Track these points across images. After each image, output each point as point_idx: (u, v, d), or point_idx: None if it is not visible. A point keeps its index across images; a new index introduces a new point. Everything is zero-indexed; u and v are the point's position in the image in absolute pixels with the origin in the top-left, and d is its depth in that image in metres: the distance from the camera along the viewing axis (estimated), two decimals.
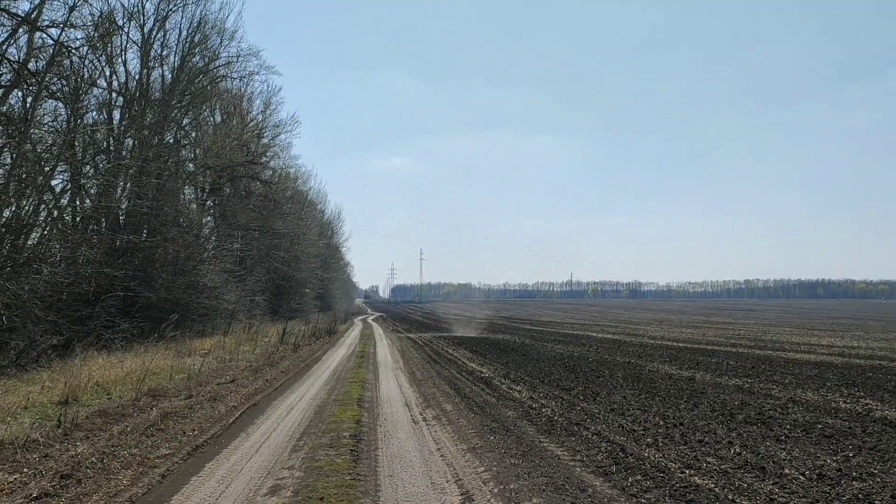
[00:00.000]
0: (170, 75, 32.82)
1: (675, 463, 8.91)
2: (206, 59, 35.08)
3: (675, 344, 31.54)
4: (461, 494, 7.89)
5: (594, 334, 40.71)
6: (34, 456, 9.59)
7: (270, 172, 50.93)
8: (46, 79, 22.57)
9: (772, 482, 7.96)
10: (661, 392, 15.48)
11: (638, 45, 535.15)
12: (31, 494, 7.80)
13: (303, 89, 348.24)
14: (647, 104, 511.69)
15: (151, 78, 31.87)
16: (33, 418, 12.07)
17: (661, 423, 11.79)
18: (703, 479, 8.10)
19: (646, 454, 9.42)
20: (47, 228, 23.80)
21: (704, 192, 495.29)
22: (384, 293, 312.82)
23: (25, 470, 8.87)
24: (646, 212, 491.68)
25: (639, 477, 8.31)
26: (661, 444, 10.04)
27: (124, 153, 29.04)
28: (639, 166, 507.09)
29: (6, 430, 10.85)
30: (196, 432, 11.64)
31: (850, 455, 9.26)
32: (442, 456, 9.87)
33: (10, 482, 8.32)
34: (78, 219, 26.56)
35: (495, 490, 7.99)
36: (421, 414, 13.64)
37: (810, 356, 24.64)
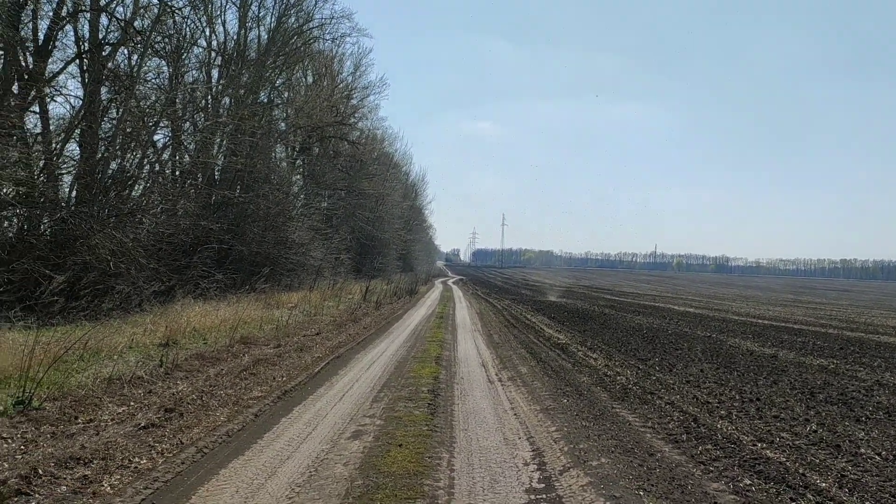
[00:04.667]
0: (266, 36, 33.84)
1: (748, 436, 8.94)
2: (301, 21, 35.95)
3: (759, 321, 30.73)
4: (532, 450, 8.20)
5: (675, 307, 40.05)
6: (139, 391, 10.47)
7: (358, 133, 51.93)
8: (151, 37, 23.72)
9: (845, 460, 7.92)
10: (740, 367, 15.30)
11: (734, 10, 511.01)
12: (139, 424, 8.57)
13: (392, 50, 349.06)
14: (739, 74, 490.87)
15: (248, 38, 32.98)
16: (137, 358, 13.06)
17: (737, 397, 11.74)
18: (775, 453, 8.12)
19: (718, 426, 9.47)
20: (149, 181, 25.19)
21: (799, 166, 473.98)
22: (465, 257, 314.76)
23: (132, 403, 9.71)
24: (736, 184, 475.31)
25: (709, 446, 8.41)
26: (734, 418, 10.05)
27: (221, 111, 30.23)
28: (729, 137, 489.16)
29: (114, 367, 11.81)
30: (285, 378, 12.38)
31: None
32: (515, 415, 10.20)
33: (119, 413, 9.14)
34: (177, 173, 27.95)
35: (565, 448, 8.27)
36: (497, 374, 14.00)
37: None
